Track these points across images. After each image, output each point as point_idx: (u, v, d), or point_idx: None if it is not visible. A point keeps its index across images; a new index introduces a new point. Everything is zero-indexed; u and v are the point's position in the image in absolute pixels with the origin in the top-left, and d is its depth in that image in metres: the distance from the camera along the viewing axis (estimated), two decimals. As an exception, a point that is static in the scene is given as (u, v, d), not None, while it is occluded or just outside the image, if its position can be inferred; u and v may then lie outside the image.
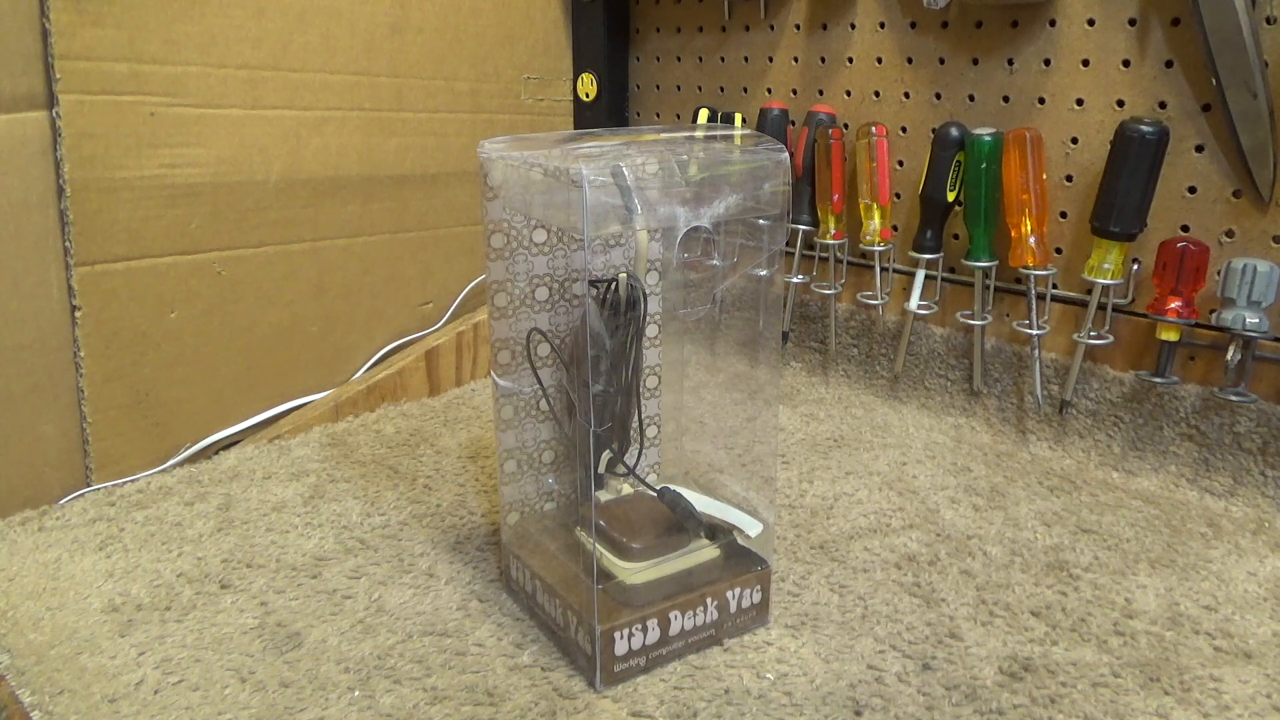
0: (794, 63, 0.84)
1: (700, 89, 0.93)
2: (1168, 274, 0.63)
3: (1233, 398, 0.62)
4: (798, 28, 0.83)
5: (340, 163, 0.76)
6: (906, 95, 0.78)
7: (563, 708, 0.43)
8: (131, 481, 0.65)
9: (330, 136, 0.75)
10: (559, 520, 0.53)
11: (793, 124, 0.85)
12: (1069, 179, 0.70)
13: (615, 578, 0.45)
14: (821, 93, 0.83)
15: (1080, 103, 0.69)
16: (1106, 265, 0.66)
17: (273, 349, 0.74)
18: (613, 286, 0.48)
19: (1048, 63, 0.70)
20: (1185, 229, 0.65)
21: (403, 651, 0.47)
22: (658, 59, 0.96)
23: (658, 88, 0.97)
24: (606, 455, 0.51)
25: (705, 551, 0.48)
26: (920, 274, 0.77)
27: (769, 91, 0.87)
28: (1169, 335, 0.64)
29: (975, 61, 0.74)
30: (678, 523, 0.48)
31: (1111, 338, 0.68)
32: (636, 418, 0.52)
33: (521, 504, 0.52)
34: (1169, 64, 0.64)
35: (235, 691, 0.44)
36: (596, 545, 0.45)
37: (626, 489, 0.52)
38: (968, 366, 0.76)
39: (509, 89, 0.89)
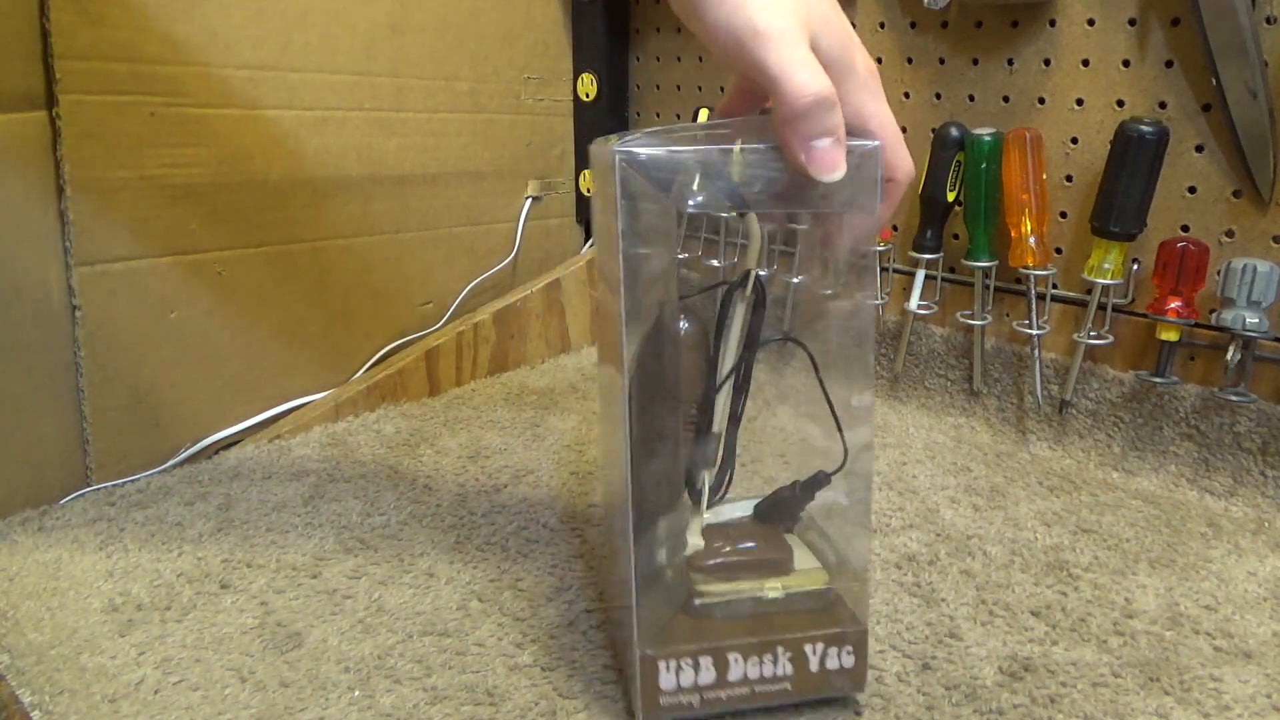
0: (794, 63, 0.84)
1: (700, 89, 0.93)
2: (1168, 274, 0.63)
3: (1233, 398, 0.62)
4: (798, 28, 0.83)
5: (340, 163, 0.76)
6: (906, 95, 0.78)
7: (563, 708, 0.43)
8: (131, 481, 0.65)
9: (330, 136, 0.75)
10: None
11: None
12: (1069, 179, 0.70)
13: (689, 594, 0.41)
14: (821, 93, 0.83)
15: (1080, 103, 0.69)
16: (1106, 265, 0.66)
17: (273, 349, 0.74)
18: (746, 285, 0.42)
19: (1048, 63, 0.70)
20: (1185, 229, 0.65)
21: (403, 651, 0.47)
22: (658, 59, 0.96)
23: (658, 88, 0.97)
24: (708, 475, 0.44)
25: (788, 593, 0.43)
26: (920, 274, 0.77)
27: (769, 91, 0.87)
28: (1169, 335, 0.64)
29: (975, 61, 0.74)
30: (771, 557, 0.43)
31: (1111, 338, 0.68)
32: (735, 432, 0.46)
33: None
34: (1169, 64, 0.64)
35: (235, 691, 0.44)
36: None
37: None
38: (968, 366, 0.76)
39: (509, 89, 0.89)
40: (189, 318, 0.68)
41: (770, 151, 0.38)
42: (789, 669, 0.41)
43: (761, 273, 0.43)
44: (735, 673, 0.40)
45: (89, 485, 0.64)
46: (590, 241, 0.98)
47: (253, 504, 0.61)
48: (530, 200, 0.93)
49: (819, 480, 0.45)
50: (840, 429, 0.44)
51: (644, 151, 0.37)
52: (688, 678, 0.40)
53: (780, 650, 0.41)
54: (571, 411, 0.79)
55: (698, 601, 0.41)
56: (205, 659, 0.46)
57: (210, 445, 0.71)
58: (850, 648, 0.42)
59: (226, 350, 0.71)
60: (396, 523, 0.59)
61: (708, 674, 0.40)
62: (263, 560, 0.55)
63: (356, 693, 0.44)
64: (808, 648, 0.41)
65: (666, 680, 0.40)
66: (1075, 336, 0.68)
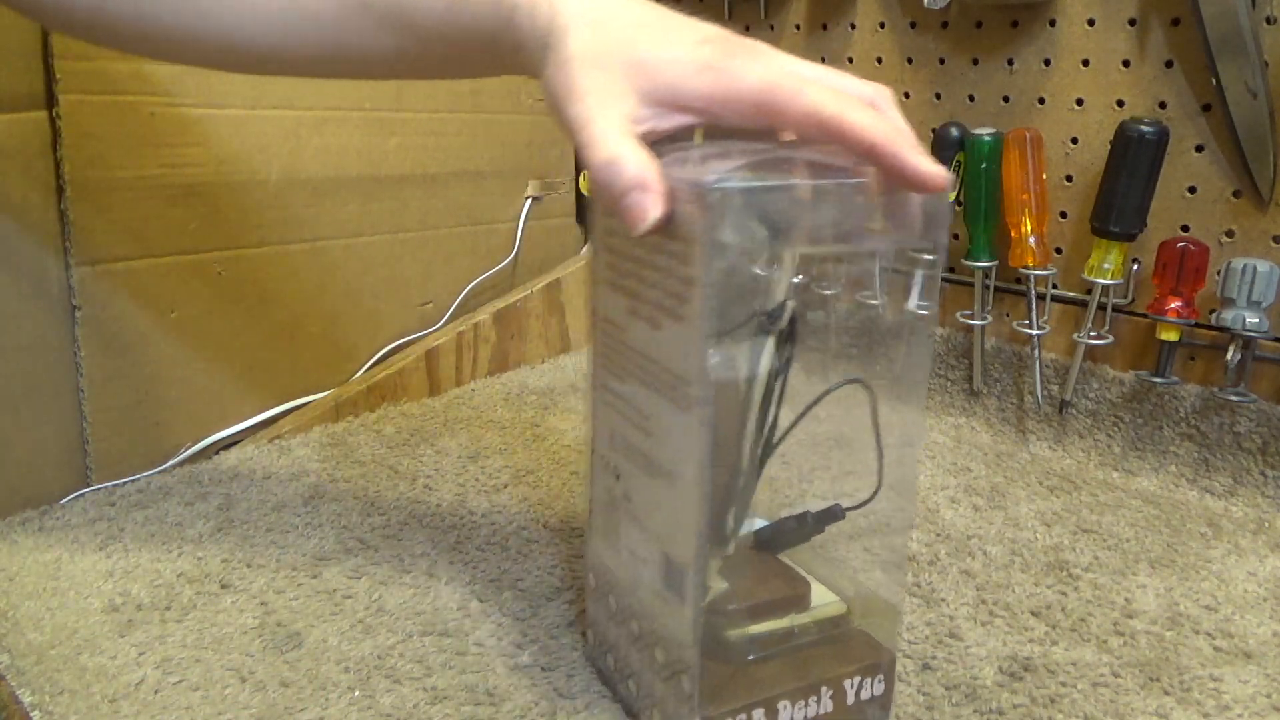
0: (794, 63, 0.84)
1: (700, 89, 0.93)
2: (1168, 274, 0.63)
3: (1233, 398, 0.62)
4: (797, 28, 0.83)
5: (340, 163, 0.76)
6: (906, 95, 0.78)
7: (563, 708, 0.43)
8: (131, 481, 0.65)
9: (330, 136, 0.75)
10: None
11: (793, 124, 0.85)
12: (1069, 179, 0.70)
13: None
14: (821, 93, 0.83)
15: (1080, 103, 0.69)
16: (1106, 265, 0.66)
17: (273, 349, 0.74)
18: (783, 316, 0.40)
19: (1048, 63, 0.70)
20: (1185, 229, 0.65)
21: (403, 651, 0.47)
22: (658, 59, 0.96)
23: (658, 88, 0.96)
24: (733, 517, 0.42)
25: (816, 626, 0.42)
26: (920, 274, 0.77)
27: (769, 91, 0.87)
28: (1169, 335, 0.64)
29: (975, 61, 0.74)
30: (792, 593, 0.42)
31: (1111, 338, 0.68)
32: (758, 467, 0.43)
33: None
34: (1169, 64, 0.64)
35: (235, 691, 0.44)
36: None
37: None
38: (968, 366, 0.76)
39: (509, 89, 0.89)
40: (189, 318, 0.68)
41: (846, 186, 0.35)
42: (830, 706, 0.40)
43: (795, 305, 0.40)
44: (783, 719, 0.39)
45: (89, 485, 0.64)
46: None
47: (253, 504, 0.61)
48: (530, 200, 0.93)
49: (833, 514, 0.43)
50: (880, 468, 0.42)
51: (742, 187, 0.33)
52: None
53: (824, 690, 0.39)
54: (571, 411, 0.79)
55: (748, 653, 0.40)
56: (205, 659, 0.46)
57: (210, 445, 0.71)
58: (882, 676, 0.41)
59: (226, 350, 0.71)
60: (396, 523, 0.59)
61: None
62: (263, 560, 0.55)
63: (356, 693, 0.44)
64: (847, 683, 0.40)
65: None
66: (1075, 336, 0.68)
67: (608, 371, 0.41)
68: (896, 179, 0.35)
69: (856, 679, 0.40)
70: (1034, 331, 0.70)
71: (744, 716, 0.37)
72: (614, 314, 0.40)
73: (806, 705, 0.39)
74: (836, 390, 0.44)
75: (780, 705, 0.38)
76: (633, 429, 0.39)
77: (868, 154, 0.35)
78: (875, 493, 0.42)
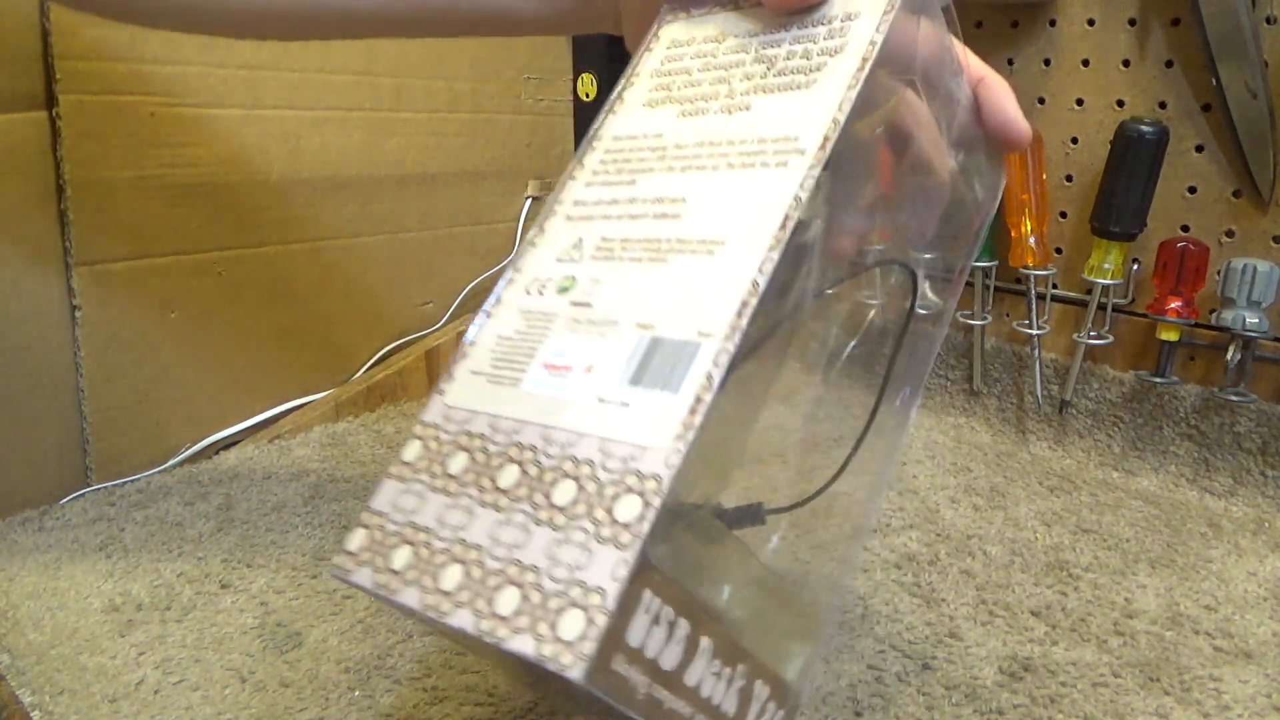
0: (794, 63, 0.84)
1: (700, 89, 0.92)
2: (1168, 274, 0.63)
3: (1233, 398, 0.62)
4: (798, 28, 0.83)
5: (340, 163, 0.76)
6: (906, 95, 0.78)
7: (563, 708, 0.43)
8: (131, 481, 0.65)
9: (330, 136, 0.75)
10: None
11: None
12: (1069, 179, 0.70)
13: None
14: (821, 93, 0.83)
15: (1080, 103, 0.69)
16: (1106, 265, 0.66)
17: (273, 349, 0.74)
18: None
19: (1048, 63, 0.70)
20: (1185, 229, 0.65)
21: (403, 651, 0.47)
22: (658, 59, 0.96)
23: (658, 88, 0.96)
24: None
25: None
26: (920, 274, 0.77)
27: (769, 91, 0.87)
28: (1169, 335, 0.64)
29: (975, 61, 0.74)
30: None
31: (1111, 338, 0.68)
32: None
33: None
34: (1169, 64, 0.64)
35: (235, 691, 0.44)
36: None
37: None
38: (968, 366, 0.76)
39: (509, 89, 0.89)
40: (189, 318, 0.68)
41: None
42: (733, 704, 0.31)
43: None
44: (694, 673, 0.29)
45: (89, 485, 0.64)
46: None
47: (253, 504, 0.61)
48: (530, 200, 0.93)
49: (752, 513, 0.37)
50: (858, 444, 0.40)
51: None
52: (656, 642, 0.27)
53: (740, 671, 0.31)
54: (571, 411, 0.79)
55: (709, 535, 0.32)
56: (205, 659, 0.46)
57: (210, 445, 0.71)
58: (785, 712, 0.34)
59: (226, 350, 0.71)
60: (396, 523, 0.59)
61: (673, 653, 0.28)
62: (263, 560, 0.55)
63: (356, 693, 0.44)
64: (758, 684, 0.32)
65: (638, 629, 0.26)
66: (1075, 336, 0.68)
67: (603, 186, 0.38)
68: (994, 114, 0.38)
69: (767, 691, 0.33)
70: (1034, 331, 0.70)
71: (671, 616, 0.28)
72: (642, 129, 0.39)
73: (721, 672, 0.30)
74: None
75: (703, 643, 0.29)
76: (637, 223, 0.35)
77: (977, 82, 0.38)
78: (847, 462, 0.38)
